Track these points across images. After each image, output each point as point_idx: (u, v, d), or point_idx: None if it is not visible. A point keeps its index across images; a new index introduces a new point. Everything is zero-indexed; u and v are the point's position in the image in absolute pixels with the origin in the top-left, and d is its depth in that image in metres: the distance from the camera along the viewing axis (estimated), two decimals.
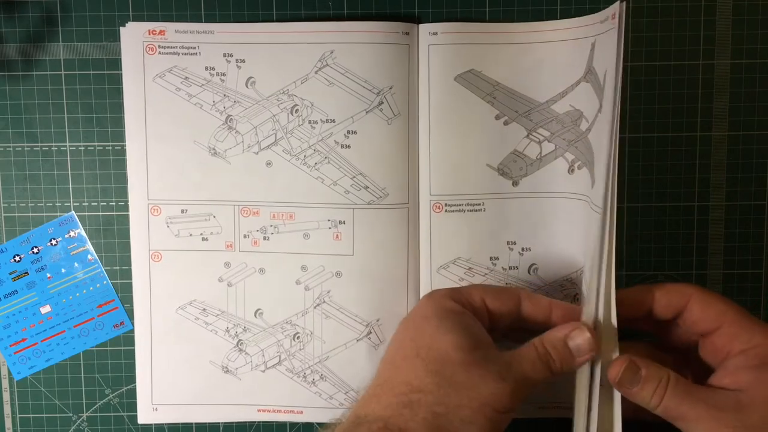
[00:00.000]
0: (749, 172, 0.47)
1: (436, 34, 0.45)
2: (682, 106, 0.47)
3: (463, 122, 0.45)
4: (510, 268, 0.46)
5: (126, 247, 0.47)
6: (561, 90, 0.45)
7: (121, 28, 0.46)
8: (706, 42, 0.46)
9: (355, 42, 0.45)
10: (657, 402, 0.36)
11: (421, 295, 0.46)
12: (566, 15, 0.46)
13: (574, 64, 0.44)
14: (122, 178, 0.47)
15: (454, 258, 0.46)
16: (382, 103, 0.45)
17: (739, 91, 0.47)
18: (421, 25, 0.45)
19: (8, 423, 0.49)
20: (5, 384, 0.49)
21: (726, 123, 0.46)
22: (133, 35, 0.46)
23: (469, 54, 0.45)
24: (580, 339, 0.37)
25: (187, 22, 0.46)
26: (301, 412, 0.48)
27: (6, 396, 0.49)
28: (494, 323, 0.39)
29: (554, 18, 0.46)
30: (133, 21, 0.46)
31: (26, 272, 0.48)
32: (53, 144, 0.47)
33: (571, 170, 0.45)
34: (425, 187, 0.46)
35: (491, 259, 0.46)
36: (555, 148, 0.45)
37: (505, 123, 0.45)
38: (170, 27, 0.46)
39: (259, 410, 0.48)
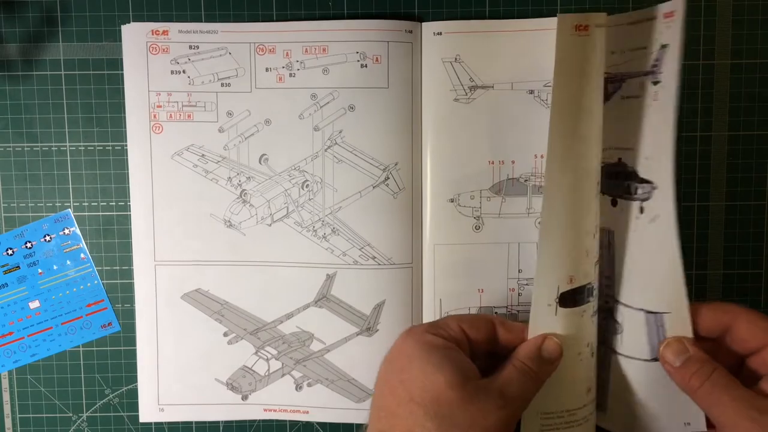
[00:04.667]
0: (749, 172, 0.47)
1: (440, 33, 0.45)
2: (682, 106, 0.47)
3: None
4: None
5: (124, 248, 0.47)
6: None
7: (122, 26, 0.46)
8: (706, 42, 0.47)
9: (358, 40, 0.45)
10: (697, 384, 0.36)
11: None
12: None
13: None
14: (122, 178, 0.47)
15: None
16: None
17: (739, 91, 0.47)
18: (424, 24, 0.45)
19: (8, 423, 0.49)
20: (5, 384, 0.49)
21: (726, 123, 0.46)
22: (136, 35, 0.46)
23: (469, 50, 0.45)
24: (551, 345, 0.38)
25: (187, 22, 0.46)
26: (307, 412, 0.48)
27: (6, 396, 0.49)
28: (473, 352, 0.39)
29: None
30: (133, 21, 0.46)
31: (18, 266, 0.47)
32: (53, 144, 0.47)
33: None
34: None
35: None
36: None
37: None
38: (173, 27, 0.46)
39: (265, 410, 0.48)
